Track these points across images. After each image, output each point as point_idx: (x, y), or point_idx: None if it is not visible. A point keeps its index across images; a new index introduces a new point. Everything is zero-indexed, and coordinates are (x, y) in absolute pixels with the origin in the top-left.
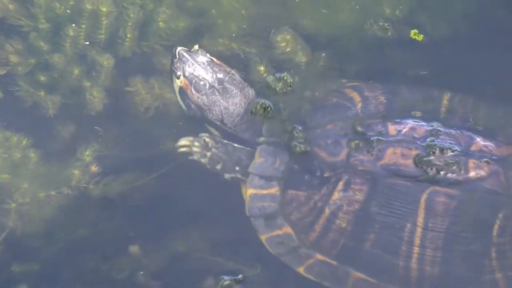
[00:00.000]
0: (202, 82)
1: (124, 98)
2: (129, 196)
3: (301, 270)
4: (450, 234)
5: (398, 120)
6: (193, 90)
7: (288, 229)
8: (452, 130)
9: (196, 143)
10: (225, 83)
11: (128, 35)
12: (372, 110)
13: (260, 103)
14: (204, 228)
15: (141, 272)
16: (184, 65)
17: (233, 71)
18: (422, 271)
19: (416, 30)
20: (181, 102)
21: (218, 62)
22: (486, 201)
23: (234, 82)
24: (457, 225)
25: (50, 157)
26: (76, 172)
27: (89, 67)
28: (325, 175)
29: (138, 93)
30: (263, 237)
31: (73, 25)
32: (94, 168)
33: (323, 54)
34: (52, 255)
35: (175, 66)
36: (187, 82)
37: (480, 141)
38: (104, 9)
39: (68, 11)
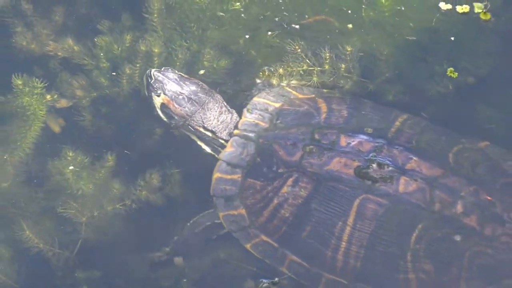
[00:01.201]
0: (180, 96)
1: (172, 126)
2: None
3: (247, 246)
4: (374, 236)
5: (350, 134)
6: (175, 104)
7: (242, 211)
8: (394, 149)
9: None
10: (199, 93)
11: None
12: (332, 122)
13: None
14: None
15: (184, 280)
16: (161, 84)
17: (200, 82)
18: (346, 263)
19: (452, 68)
20: (162, 116)
21: (186, 76)
22: (409, 213)
23: (205, 90)
24: (382, 229)
25: (112, 175)
26: (142, 183)
27: (142, 100)
28: (280, 170)
29: None
30: (221, 214)
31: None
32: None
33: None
34: (112, 264)
35: (154, 87)
36: (168, 98)
37: (415, 161)
38: (156, 50)
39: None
